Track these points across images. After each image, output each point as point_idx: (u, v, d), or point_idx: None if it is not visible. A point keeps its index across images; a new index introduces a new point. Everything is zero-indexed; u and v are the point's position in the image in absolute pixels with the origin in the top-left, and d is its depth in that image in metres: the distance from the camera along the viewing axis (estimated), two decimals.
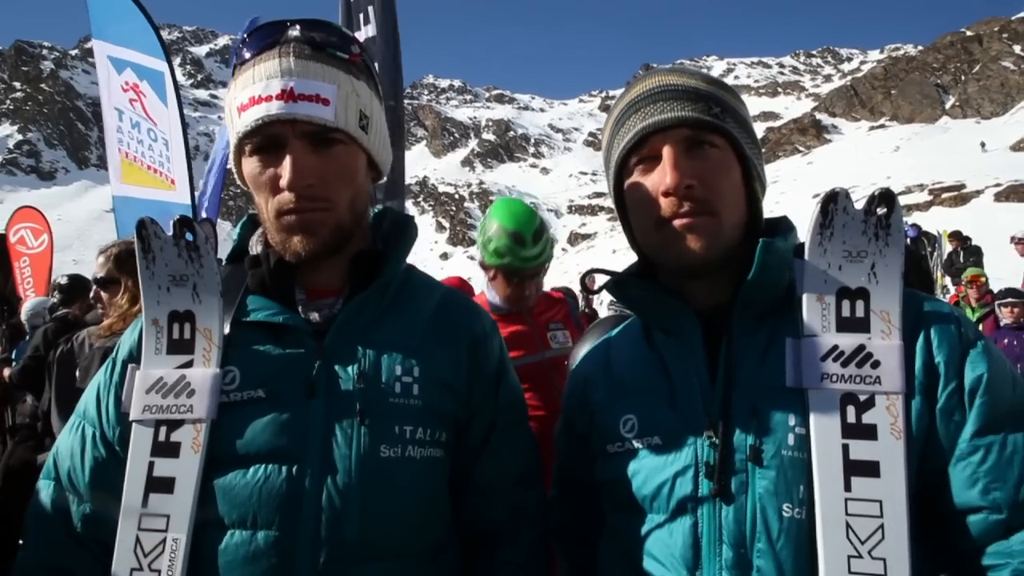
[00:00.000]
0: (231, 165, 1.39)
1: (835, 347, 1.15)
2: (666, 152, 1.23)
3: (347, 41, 1.32)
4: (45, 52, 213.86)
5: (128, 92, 6.14)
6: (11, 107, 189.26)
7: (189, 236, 1.32)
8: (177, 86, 6.07)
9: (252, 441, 1.23)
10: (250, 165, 1.29)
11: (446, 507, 1.38)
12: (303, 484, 1.21)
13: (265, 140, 1.26)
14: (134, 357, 1.36)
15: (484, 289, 3.27)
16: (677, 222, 1.23)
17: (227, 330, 1.31)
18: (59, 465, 1.37)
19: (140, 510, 1.23)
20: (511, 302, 3.14)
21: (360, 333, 1.33)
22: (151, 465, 1.24)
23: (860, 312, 1.17)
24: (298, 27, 1.28)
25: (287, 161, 1.24)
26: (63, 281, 6.24)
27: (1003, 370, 1.14)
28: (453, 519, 1.40)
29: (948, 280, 16.43)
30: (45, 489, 1.36)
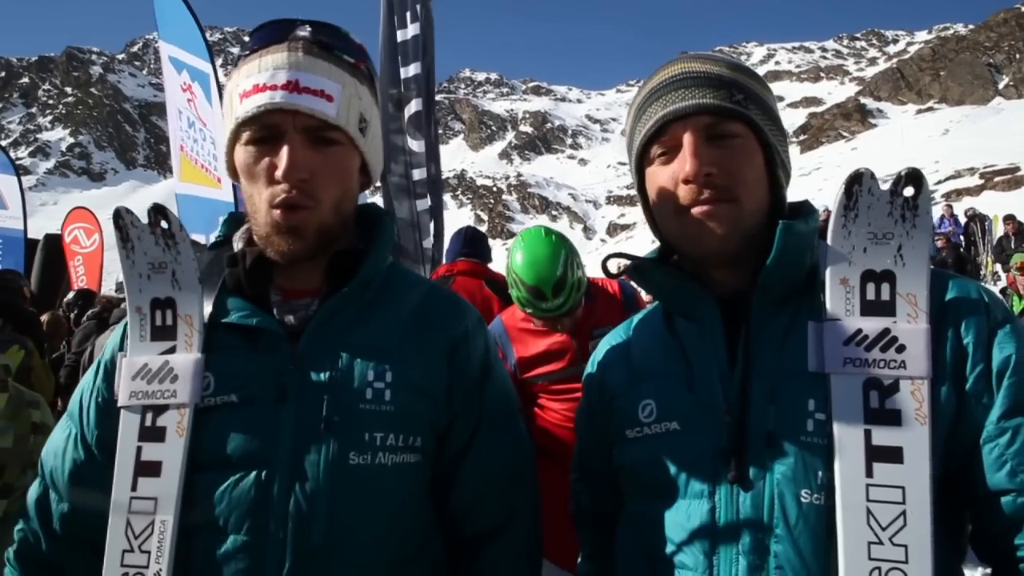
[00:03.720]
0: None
1: (859, 331, 1.14)
2: (686, 140, 1.23)
3: (354, 47, 1.33)
4: (94, 57, 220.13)
5: (186, 92, 6.41)
6: (63, 111, 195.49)
7: (164, 224, 1.33)
8: (220, 87, 6.26)
9: (225, 446, 1.23)
10: (244, 153, 1.27)
11: (424, 511, 1.35)
12: (271, 490, 1.20)
13: (264, 130, 1.25)
14: (116, 356, 1.36)
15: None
16: (697, 210, 1.22)
17: (208, 312, 1.31)
18: (44, 463, 1.39)
19: (130, 494, 1.25)
20: (546, 327, 3.03)
21: (335, 336, 1.30)
22: (139, 450, 1.26)
23: (885, 295, 1.15)
24: (308, 27, 1.28)
25: (284, 151, 1.23)
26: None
27: None
28: (438, 520, 1.38)
29: (999, 266, 15.90)
30: (34, 487, 1.39)
